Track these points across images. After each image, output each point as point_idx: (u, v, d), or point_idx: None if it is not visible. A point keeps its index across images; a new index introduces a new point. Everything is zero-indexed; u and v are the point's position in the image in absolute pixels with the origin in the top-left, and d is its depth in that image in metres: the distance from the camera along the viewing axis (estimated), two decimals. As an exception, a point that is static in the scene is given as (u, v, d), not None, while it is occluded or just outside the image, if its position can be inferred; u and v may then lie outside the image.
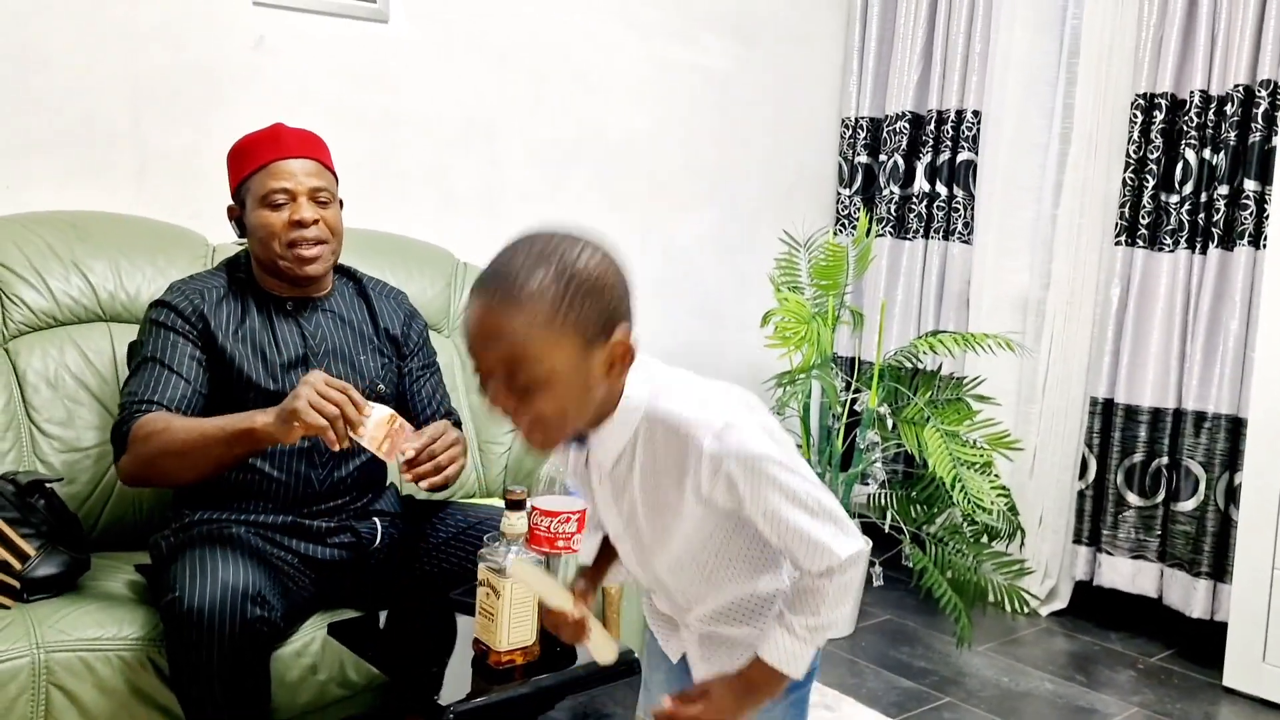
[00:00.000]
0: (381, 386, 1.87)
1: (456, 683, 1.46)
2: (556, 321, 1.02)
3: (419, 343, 1.97)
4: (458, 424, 1.97)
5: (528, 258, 1.04)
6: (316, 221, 1.75)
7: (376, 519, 1.83)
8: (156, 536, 1.73)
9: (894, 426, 2.85)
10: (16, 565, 1.66)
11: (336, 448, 1.53)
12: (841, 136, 3.49)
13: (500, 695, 1.43)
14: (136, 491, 1.96)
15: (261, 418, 1.57)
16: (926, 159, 3.24)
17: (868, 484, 3.15)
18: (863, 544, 1.11)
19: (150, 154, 2.33)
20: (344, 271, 1.95)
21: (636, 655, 1.67)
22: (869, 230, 2.83)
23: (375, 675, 1.78)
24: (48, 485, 1.82)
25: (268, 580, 1.57)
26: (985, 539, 2.81)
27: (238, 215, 1.83)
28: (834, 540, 1.08)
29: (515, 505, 1.49)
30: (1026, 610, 2.88)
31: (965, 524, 2.78)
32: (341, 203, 1.87)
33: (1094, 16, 2.88)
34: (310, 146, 1.80)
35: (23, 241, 2.03)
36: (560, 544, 1.59)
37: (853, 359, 3.33)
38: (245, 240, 1.85)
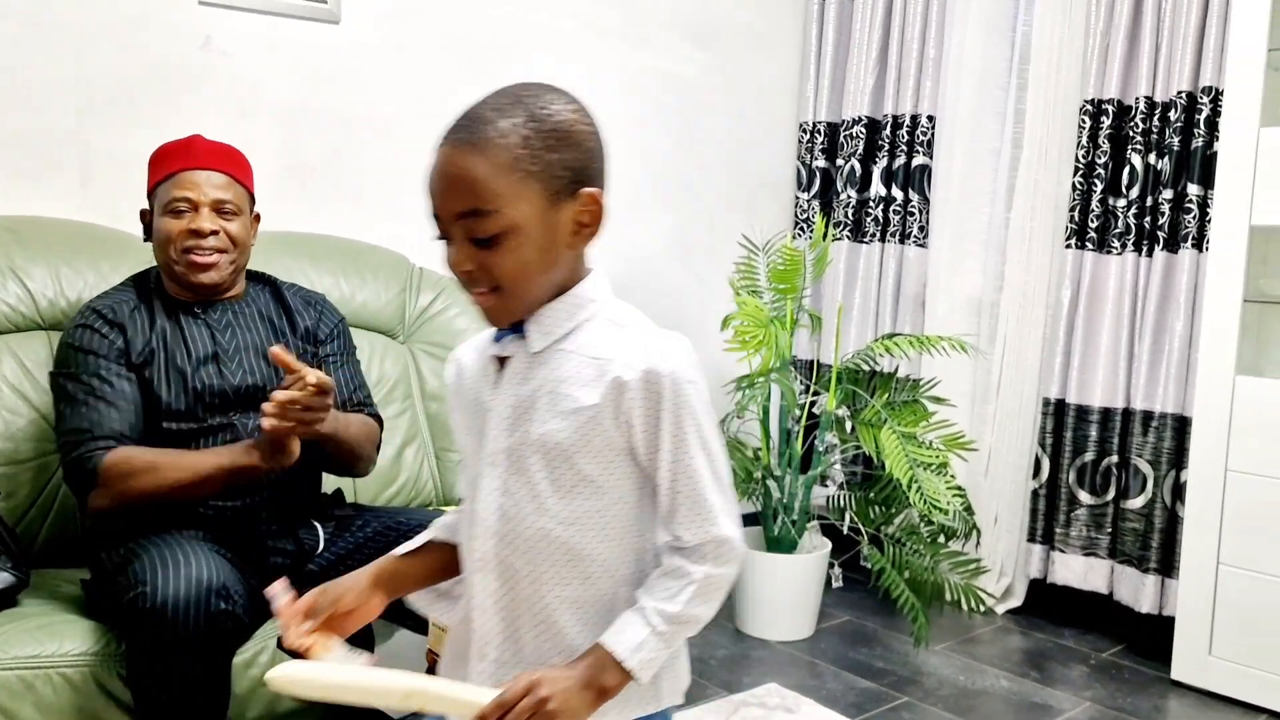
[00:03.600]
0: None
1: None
2: (521, 166, 0.98)
3: (334, 332, 1.98)
4: (376, 418, 1.97)
5: (499, 102, 1.00)
6: (215, 232, 1.78)
7: (319, 525, 1.82)
8: (95, 543, 1.70)
9: (852, 429, 2.86)
10: (-45, 582, 1.62)
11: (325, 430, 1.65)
12: (799, 141, 3.51)
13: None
14: (76, 504, 1.93)
15: (253, 455, 1.66)
16: (883, 163, 3.27)
17: (827, 486, 3.17)
18: (744, 546, 1.05)
19: (95, 157, 2.29)
20: (260, 278, 1.97)
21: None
22: (826, 234, 2.85)
23: (329, 687, 1.76)
24: (-13, 498, 1.78)
25: (233, 576, 1.56)
26: (942, 539, 2.84)
27: (148, 220, 1.85)
28: (723, 514, 1.02)
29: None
30: (983, 609, 2.91)
31: (922, 524, 2.81)
32: (258, 216, 1.91)
33: (1043, 22, 2.92)
34: (223, 159, 1.84)
35: (-41, 247, 1.98)
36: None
37: (811, 362, 3.35)
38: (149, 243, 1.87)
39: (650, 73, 3.16)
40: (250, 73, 2.45)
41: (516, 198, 0.98)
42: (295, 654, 1.08)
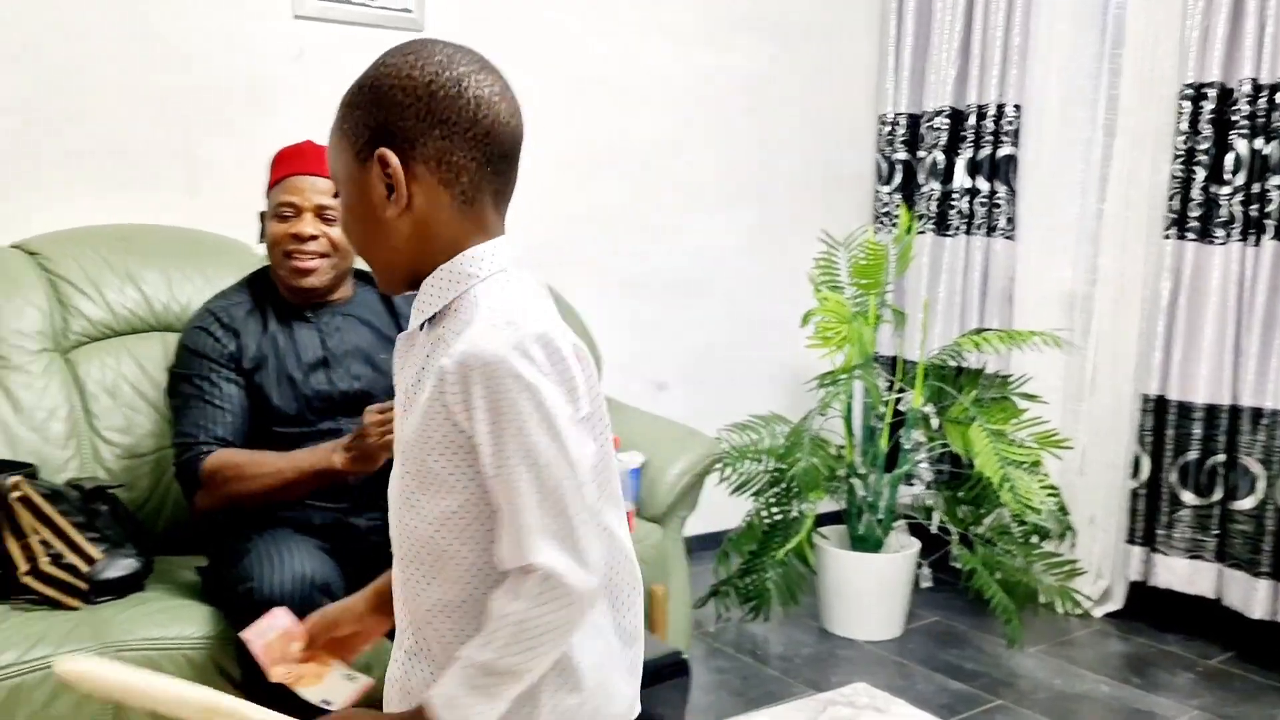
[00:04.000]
0: None
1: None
2: (338, 126, 0.98)
3: None
4: None
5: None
6: (316, 237, 1.83)
7: None
8: (213, 535, 1.78)
9: (939, 426, 2.82)
10: (84, 568, 1.71)
11: None
12: (879, 133, 3.47)
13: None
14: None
15: (337, 458, 1.68)
16: (967, 154, 3.21)
17: (913, 484, 3.13)
18: (585, 585, 0.86)
19: (200, 167, 2.39)
20: (368, 279, 1.99)
21: (685, 655, 1.68)
22: (910, 227, 2.81)
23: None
24: (109, 491, 1.88)
25: (333, 571, 1.62)
26: (1035, 539, 2.78)
27: (264, 220, 1.91)
28: (545, 541, 0.85)
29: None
30: (1079, 611, 2.83)
31: (1014, 524, 2.75)
32: None
33: (1138, 6, 2.83)
34: (326, 164, 1.86)
35: (79, 255, 2.10)
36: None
37: (894, 359, 3.31)
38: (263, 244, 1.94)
39: (725, 71, 3.16)
40: (339, 81, 2.52)
41: (334, 159, 0.98)
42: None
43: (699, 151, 3.16)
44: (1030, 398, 2.75)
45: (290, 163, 1.87)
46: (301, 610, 1.50)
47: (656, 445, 2.29)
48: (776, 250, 3.30)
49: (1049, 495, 2.55)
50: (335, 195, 1.84)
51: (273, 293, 1.91)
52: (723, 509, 2.84)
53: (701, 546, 2.99)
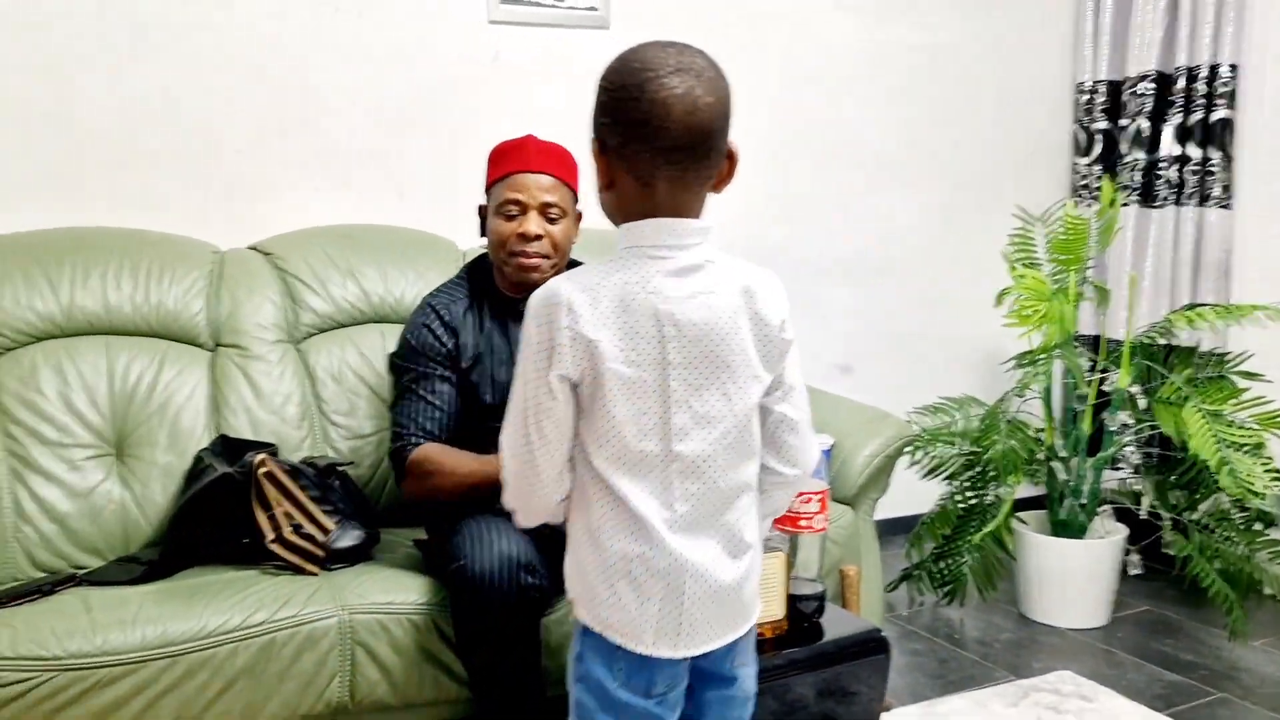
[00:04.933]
0: None
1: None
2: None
3: None
4: None
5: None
6: (541, 237, 1.86)
7: None
8: (433, 512, 1.91)
9: (1147, 407, 2.69)
10: (320, 538, 1.88)
11: None
12: (1076, 103, 3.31)
13: (752, 665, 1.48)
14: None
15: None
16: (1176, 120, 3.02)
17: (1119, 469, 2.98)
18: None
19: (406, 168, 2.56)
20: None
21: (883, 633, 1.69)
22: (1114, 199, 2.68)
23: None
24: (340, 469, 2.05)
25: (536, 552, 1.71)
26: (1259, 525, 2.61)
27: (484, 215, 1.96)
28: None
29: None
30: (1309, 604, 2.64)
31: (1235, 509, 2.59)
32: (580, 215, 1.96)
33: (1373, -51, 2.60)
34: (553, 161, 1.90)
35: (308, 253, 2.29)
36: (802, 523, 1.63)
37: (1097, 338, 3.16)
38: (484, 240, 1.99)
39: (909, 46, 3.11)
40: (531, 81, 2.65)
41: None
42: None
43: (883, 129, 3.11)
44: (1252, 376, 2.58)
45: (514, 159, 1.88)
46: (509, 588, 1.63)
47: (846, 427, 2.28)
48: (967, 228, 3.21)
49: (1274, 479, 2.39)
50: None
51: (490, 286, 1.97)
52: (913, 494, 2.80)
53: (891, 530, 2.96)
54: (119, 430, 2.03)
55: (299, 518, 1.89)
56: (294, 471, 1.95)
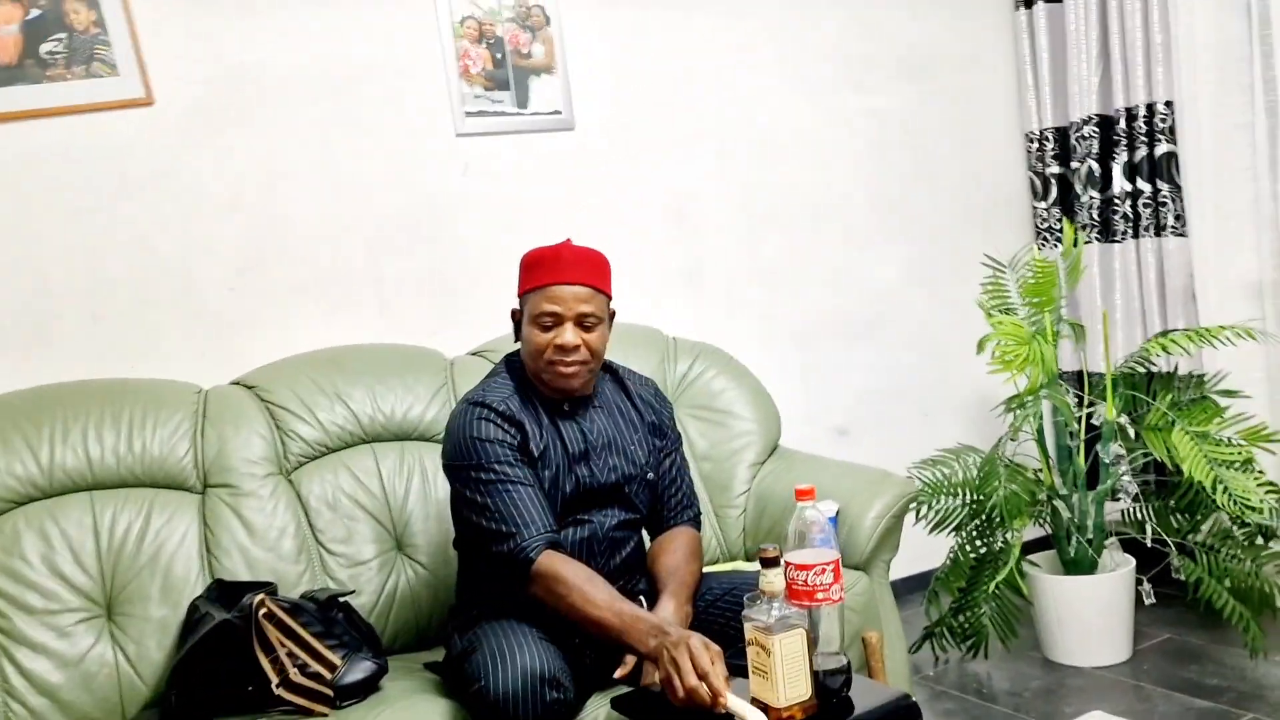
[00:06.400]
0: (651, 475, 1.97)
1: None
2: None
3: (670, 426, 2.05)
4: (698, 515, 2.04)
5: None
6: (578, 347, 1.83)
7: (642, 598, 1.90)
8: (450, 630, 1.87)
9: (1137, 435, 2.71)
10: (328, 675, 1.81)
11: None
12: (1028, 151, 3.41)
13: (789, 750, 1.45)
14: (416, 597, 2.15)
15: (651, 641, 1.62)
16: (1123, 158, 3.10)
17: (1119, 500, 2.99)
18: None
19: (386, 286, 2.57)
20: (603, 366, 2.01)
21: (913, 699, 1.66)
22: (1076, 239, 2.74)
23: (658, 746, 1.84)
24: (342, 599, 2.00)
25: (560, 662, 1.67)
26: (1261, 540, 2.61)
27: (517, 321, 1.93)
28: None
29: (770, 563, 1.53)
30: (1324, 613, 2.63)
31: (1235, 527, 2.60)
32: (613, 314, 1.93)
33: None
34: (588, 271, 1.86)
35: (292, 382, 2.26)
36: (819, 596, 1.61)
37: (1079, 373, 3.19)
38: (519, 344, 1.94)
39: (866, 114, 3.19)
40: (503, 187, 2.69)
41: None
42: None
43: (854, 195, 3.18)
44: (1231, 394, 2.61)
45: (549, 269, 1.84)
46: (532, 708, 1.58)
47: (850, 491, 2.28)
48: (941, 281, 3.27)
49: (1269, 492, 2.41)
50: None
51: (534, 388, 1.92)
52: (922, 549, 2.79)
53: (905, 589, 2.94)
54: (109, 588, 1.97)
55: (304, 657, 1.82)
56: (295, 609, 1.89)
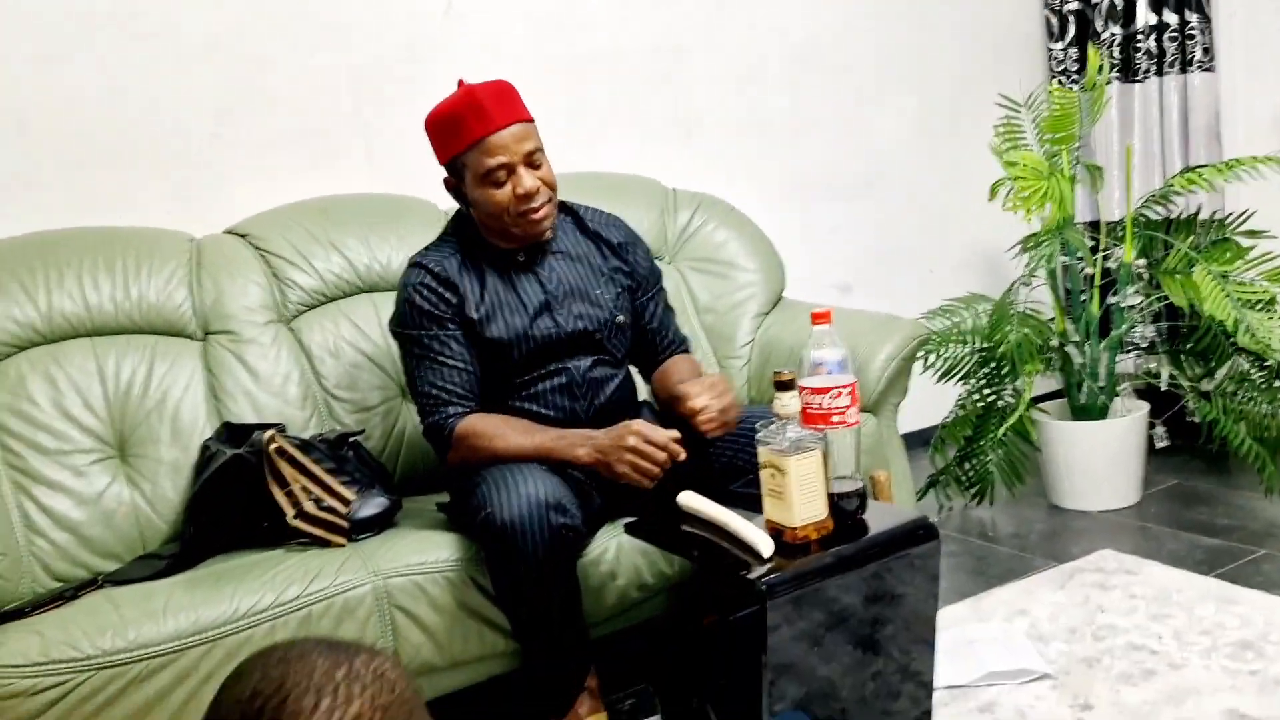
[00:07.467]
0: (621, 318, 1.90)
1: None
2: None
3: (646, 269, 1.98)
4: (688, 350, 2.01)
5: None
6: (538, 188, 1.76)
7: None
8: (454, 472, 1.84)
9: (1152, 281, 2.65)
10: (342, 509, 1.82)
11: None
12: (1044, -14, 3.25)
13: (804, 566, 1.45)
14: (424, 441, 2.10)
15: (582, 451, 1.70)
16: (1148, -12, 2.96)
17: (1129, 350, 2.95)
18: None
19: (373, 134, 2.48)
20: (561, 208, 1.93)
21: (934, 520, 1.65)
22: (1101, 67, 2.60)
23: (670, 576, 1.85)
24: (351, 439, 1.99)
25: (566, 490, 1.66)
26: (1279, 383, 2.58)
27: (455, 186, 1.84)
28: None
29: (785, 386, 1.50)
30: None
31: (1254, 369, 2.56)
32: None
33: None
34: (509, 106, 1.77)
35: (286, 231, 2.21)
36: (835, 419, 1.58)
37: (1094, 222, 3.11)
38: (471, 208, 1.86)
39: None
40: (487, 28, 2.57)
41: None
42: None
43: (857, 42, 3.05)
44: (1256, 234, 2.54)
45: (475, 121, 1.74)
46: (540, 532, 1.58)
47: (858, 336, 2.23)
48: (949, 130, 3.16)
49: (1291, 334, 2.36)
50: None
51: (480, 240, 1.86)
52: (929, 404, 2.77)
53: (910, 444, 2.92)
54: (119, 431, 1.97)
55: (318, 491, 1.84)
56: (305, 446, 1.89)
